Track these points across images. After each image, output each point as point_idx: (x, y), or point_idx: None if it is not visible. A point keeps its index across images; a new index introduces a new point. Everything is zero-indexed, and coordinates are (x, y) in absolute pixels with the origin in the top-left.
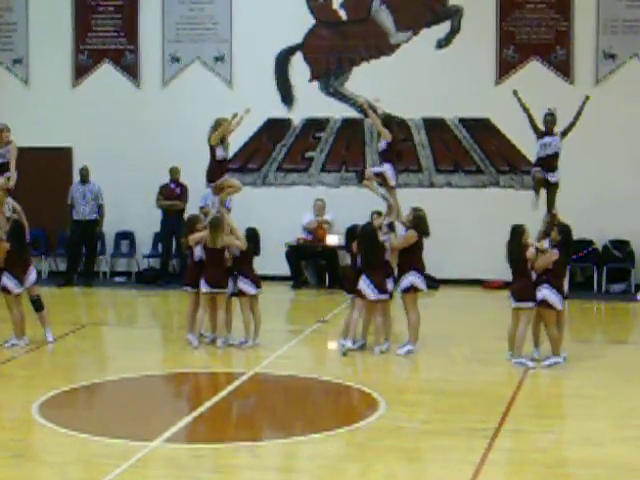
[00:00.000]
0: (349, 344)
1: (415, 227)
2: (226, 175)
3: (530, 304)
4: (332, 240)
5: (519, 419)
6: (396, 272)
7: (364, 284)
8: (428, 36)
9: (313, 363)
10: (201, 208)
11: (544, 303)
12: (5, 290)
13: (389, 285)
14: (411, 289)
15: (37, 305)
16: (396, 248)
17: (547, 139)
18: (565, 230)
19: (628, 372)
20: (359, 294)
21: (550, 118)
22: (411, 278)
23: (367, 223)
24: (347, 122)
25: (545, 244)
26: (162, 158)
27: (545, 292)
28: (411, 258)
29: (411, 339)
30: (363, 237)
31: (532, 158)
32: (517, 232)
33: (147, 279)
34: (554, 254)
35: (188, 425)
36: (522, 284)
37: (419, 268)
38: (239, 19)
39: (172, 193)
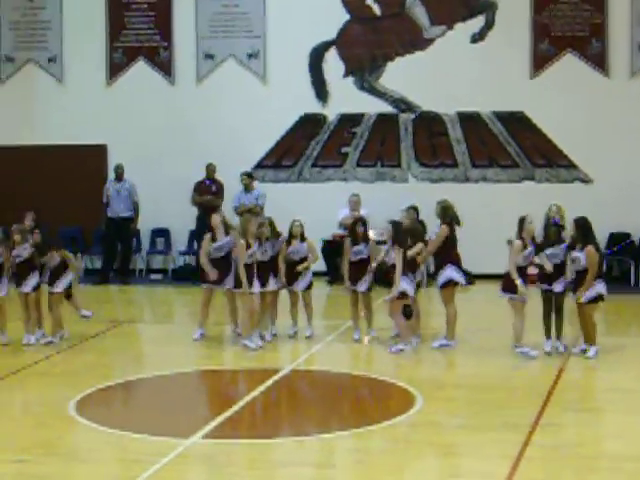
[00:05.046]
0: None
1: (443, 220)
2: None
3: (508, 296)
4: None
5: (556, 413)
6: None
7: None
8: (462, 30)
9: (349, 359)
10: (235, 208)
11: (600, 297)
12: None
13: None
14: (450, 283)
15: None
16: (431, 252)
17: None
18: (582, 221)
19: None
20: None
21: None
22: (448, 272)
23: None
24: (382, 117)
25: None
26: (197, 155)
27: (599, 287)
28: (446, 252)
29: (448, 334)
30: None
31: (567, 152)
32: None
33: (183, 276)
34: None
35: (225, 422)
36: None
37: (455, 261)
38: (272, 15)
39: (207, 190)
